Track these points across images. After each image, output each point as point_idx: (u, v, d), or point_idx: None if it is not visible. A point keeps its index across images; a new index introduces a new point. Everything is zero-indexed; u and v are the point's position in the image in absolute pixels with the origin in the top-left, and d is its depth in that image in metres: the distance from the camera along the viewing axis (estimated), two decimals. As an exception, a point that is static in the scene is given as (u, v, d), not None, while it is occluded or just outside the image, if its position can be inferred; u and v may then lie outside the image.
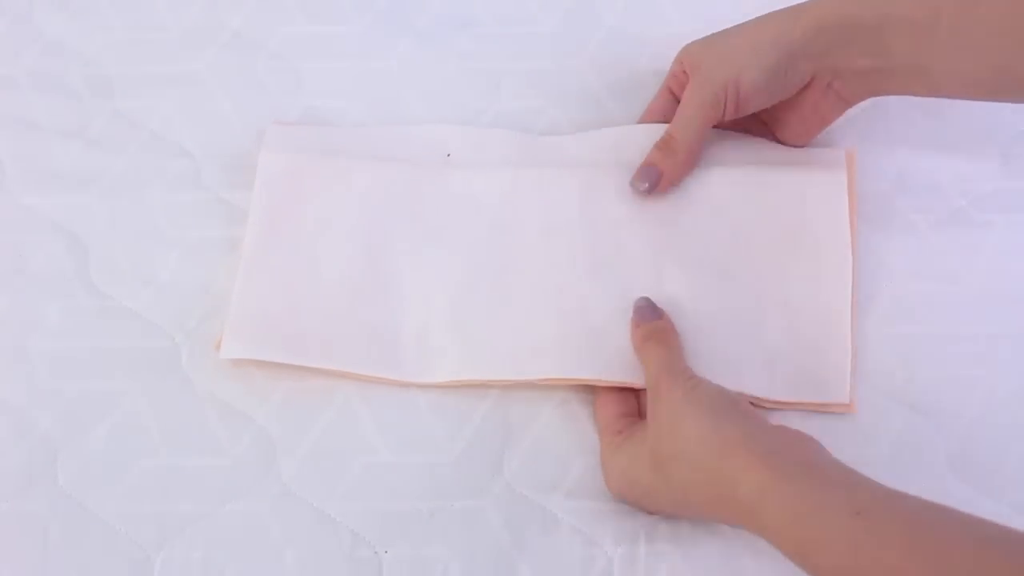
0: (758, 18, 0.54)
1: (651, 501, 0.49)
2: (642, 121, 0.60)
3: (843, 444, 0.52)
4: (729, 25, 0.55)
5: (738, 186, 0.57)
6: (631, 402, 0.52)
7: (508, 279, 0.56)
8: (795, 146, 0.58)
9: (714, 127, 0.56)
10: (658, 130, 0.58)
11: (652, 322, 0.52)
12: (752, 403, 0.52)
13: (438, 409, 0.54)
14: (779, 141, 0.59)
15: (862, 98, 0.55)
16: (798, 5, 0.53)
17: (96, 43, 0.65)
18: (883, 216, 0.57)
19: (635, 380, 0.53)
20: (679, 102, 0.56)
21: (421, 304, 0.55)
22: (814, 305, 0.54)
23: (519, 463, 0.53)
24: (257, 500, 0.53)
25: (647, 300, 0.53)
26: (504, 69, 0.63)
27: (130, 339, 0.57)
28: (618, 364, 0.53)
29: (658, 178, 0.55)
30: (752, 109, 0.55)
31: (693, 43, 0.57)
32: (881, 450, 0.52)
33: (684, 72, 0.56)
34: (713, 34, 0.56)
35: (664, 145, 0.56)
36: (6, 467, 0.54)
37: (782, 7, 0.53)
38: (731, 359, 0.53)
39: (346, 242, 0.57)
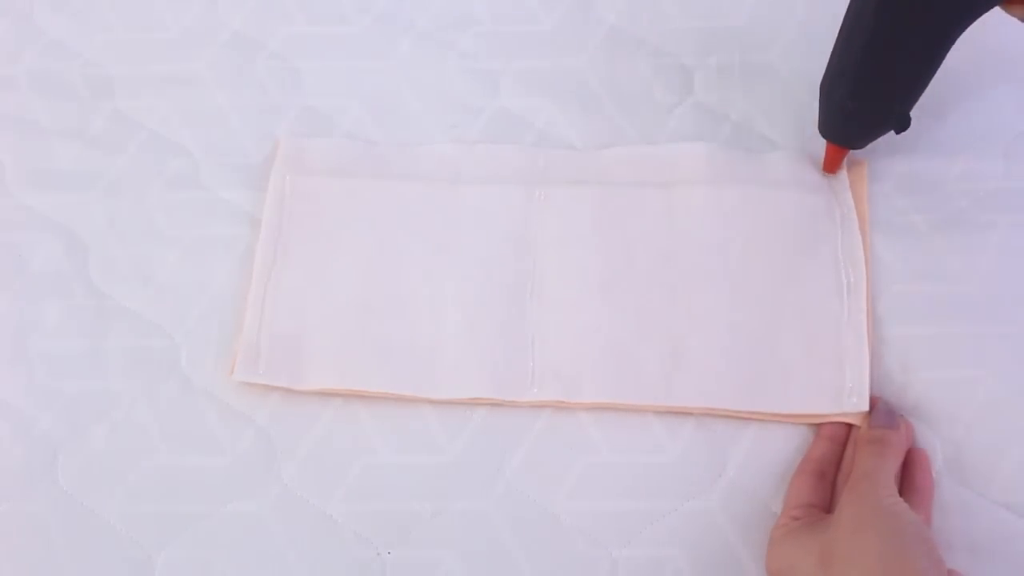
0: None
1: None
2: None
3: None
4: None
5: (750, 200, 0.57)
6: (823, 495, 0.50)
7: (521, 296, 0.56)
8: None
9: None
10: (669, 150, 0.59)
11: (884, 430, 0.50)
12: (768, 417, 0.52)
13: (438, 409, 0.54)
14: None
15: None
16: None
17: (96, 43, 0.65)
18: (884, 216, 0.57)
19: (643, 402, 0.53)
20: None
21: (435, 321, 0.55)
22: (829, 316, 0.54)
23: (520, 463, 0.53)
24: (258, 500, 0.53)
25: (887, 405, 0.52)
26: (503, 69, 0.63)
27: (129, 339, 0.57)
28: (632, 386, 0.53)
29: None
30: None
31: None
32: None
33: None
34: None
35: None
36: (6, 467, 0.54)
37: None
38: (746, 374, 0.53)
39: (358, 261, 0.57)
